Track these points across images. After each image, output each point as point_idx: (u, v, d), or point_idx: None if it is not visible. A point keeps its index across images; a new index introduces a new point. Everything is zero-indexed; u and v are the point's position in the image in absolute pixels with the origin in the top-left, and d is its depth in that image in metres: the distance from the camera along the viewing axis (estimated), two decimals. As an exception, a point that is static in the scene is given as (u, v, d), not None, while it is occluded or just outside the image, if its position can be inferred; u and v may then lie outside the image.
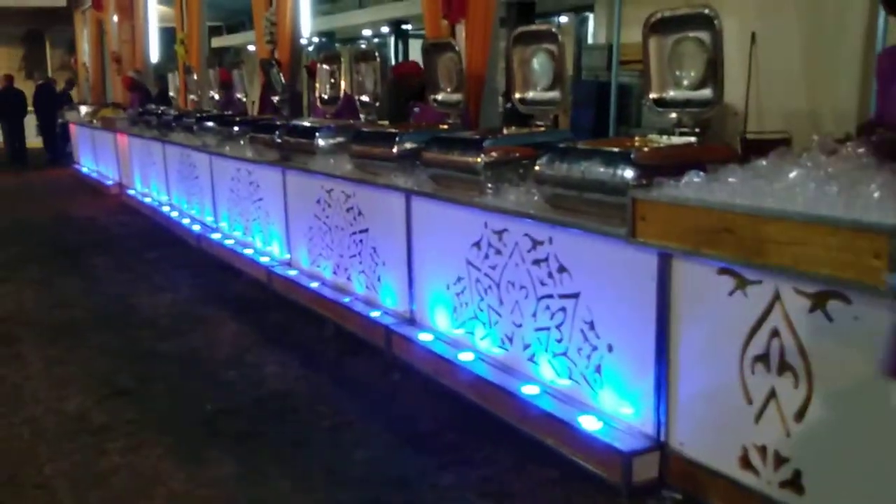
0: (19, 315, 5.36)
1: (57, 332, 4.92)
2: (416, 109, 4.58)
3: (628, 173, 2.80)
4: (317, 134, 5.13)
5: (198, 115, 7.64)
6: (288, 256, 5.76)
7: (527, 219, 3.30)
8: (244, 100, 8.44)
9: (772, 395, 2.41)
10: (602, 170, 2.90)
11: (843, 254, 2.04)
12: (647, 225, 2.60)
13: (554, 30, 3.92)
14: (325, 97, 6.13)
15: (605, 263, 2.97)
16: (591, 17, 12.47)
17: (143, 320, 5.13)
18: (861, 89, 7.36)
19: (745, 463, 2.51)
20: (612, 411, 3.01)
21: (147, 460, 3.18)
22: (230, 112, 7.77)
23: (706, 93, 3.08)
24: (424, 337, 4.03)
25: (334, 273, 5.10)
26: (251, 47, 18.22)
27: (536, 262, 3.31)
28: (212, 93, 8.54)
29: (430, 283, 4.11)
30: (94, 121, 12.36)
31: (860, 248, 1.99)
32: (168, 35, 15.47)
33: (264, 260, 5.94)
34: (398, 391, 3.87)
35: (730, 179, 2.40)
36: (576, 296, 3.14)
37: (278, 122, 5.87)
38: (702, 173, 2.57)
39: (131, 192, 10.19)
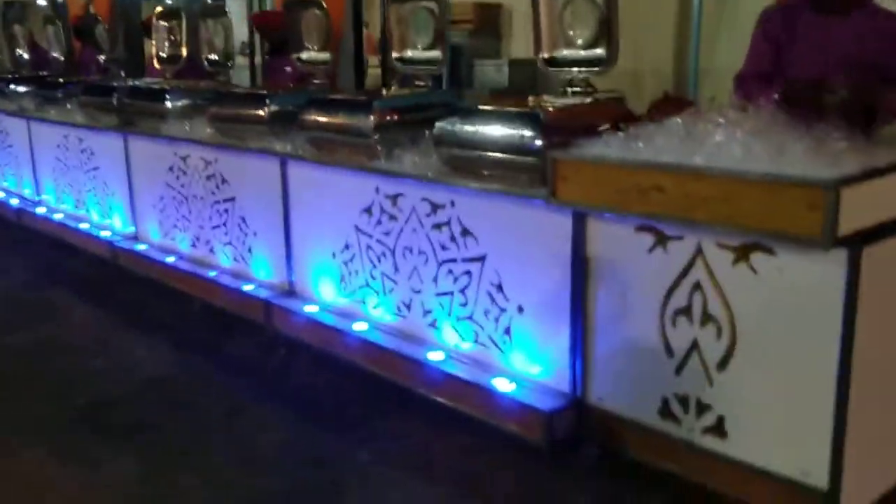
0: None
1: None
2: (288, 69, 4.33)
3: (537, 134, 2.79)
4: (166, 95, 4.74)
5: (10, 75, 6.85)
6: (133, 230, 5.33)
7: (427, 182, 3.22)
8: (61, 59, 7.66)
9: (694, 346, 2.51)
10: (511, 132, 2.87)
11: (774, 207, 2.13)
12: (569, 185, 2.60)
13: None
14: (164, 56, 5.68)
15: (514, 225, 2.96)
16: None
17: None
18: (676, 48, 7.80)
19: (667, 412, 2.61)
20: (525, 372, 3.03)
21: (29, 466, 2.85)
22: (47, 73, 7.03)
23: (599, 52, 3.12)
24: (310, 308, 3.87)
25: (193, 246, 4.78)
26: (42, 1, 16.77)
27: (437, 226, 3.25)
28: (19, 51, 7.68)
29: (311, 253, 3.94)
30: None
31: (793, 200, 2.08)
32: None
33: (105, 235, 5.47)
34: (287, 368, 3.70)
35: (656, 139, 2.44)
36: (481, 259, 3.11)
37: (115, 84, 5.37)
38: (620, 133, 2.60)
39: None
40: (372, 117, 3.46)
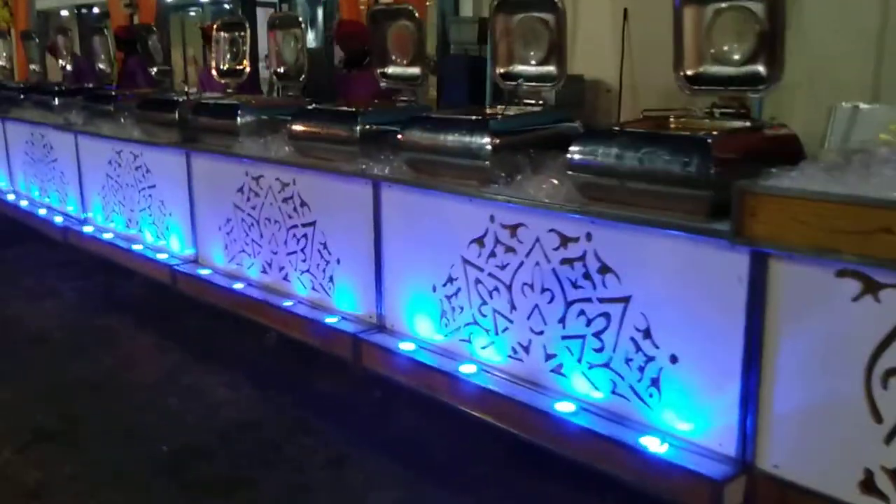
0: None
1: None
2: (383, 84, 4.00)
3: (706, 163, 2.46)
4: (238, 111, 4.42)
5: (58, 88, 6.57)
6: (194, 252, 5.00)
7: (557, 212, 2.88)
8: (108, 71, 7.38)
9: (909, 412, 2.15)
10: (668, 159, 2.54)
11: None
12: (758, 222, 2.26)
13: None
14: (224, 68, 5.38)
15: (668, 264, 2.62)
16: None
17: (33, 337, 4.26)
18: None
19: (871, 488, 2.25)
20: (674, 430, 2.67)
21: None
22: (91, 85, 6.75)
23: (758, 69, 2.79)
24: (406, 347, 3.53)
25: (263, 272, 4.45)
26: (64, 12, 16.66)
27: (567, 261, 2.91)
28: (62, 62, 7.40)
29: (406, 285, 3.60)
30: None
31: None
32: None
33: (162, 257, 5.15)
34: (386, 412, 3.36)
35: (879, 170, 2.09)
36: (626, 300, 2.76)
37: (177, 98, 5.07)
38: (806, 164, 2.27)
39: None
40: (488, 138, 3.13)
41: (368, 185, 3.68)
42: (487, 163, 3.14)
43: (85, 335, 4.27)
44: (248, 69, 5.24)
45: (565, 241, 2.92)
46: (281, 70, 4.89)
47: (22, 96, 7.04)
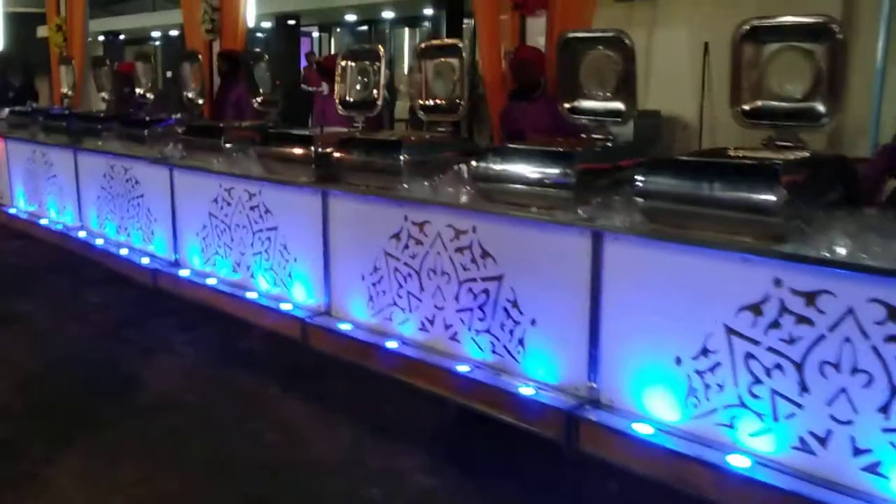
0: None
1: (55, 425, 3.43)
2: (578, 119, 3.56)
3: None
4: (402, 149, 3.91)
5: (148, 118, 6.09)
6: (324, 302, 4.47)
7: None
8: (149, 97, 6.91)
9: None
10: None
11: None
12: None
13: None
14: (351, 100, 4.90)
15: None
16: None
17: (164, 402, 3.72)
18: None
19: None
20: None
21: None
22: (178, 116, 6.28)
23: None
24: (642, 429, 2.99)
25: (423, 329, 3.92)
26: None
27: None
28: (104, 94, 6.96)
29: (634, 356, 3.08)
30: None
31: None
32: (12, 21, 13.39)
33: (285, 307, 4.61)
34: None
35: None
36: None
37: (309, 133, 4.58)
38: None
39: (11, 210, 8.24)
40: (776, 190, 2.63)
41: (586, 237, 3.17)
42: (775, 217, 2.63)
43: (223, 400, 3.72)
44: (379, 101, 4.76)
45: (894, 313, 2.41)
46: (430, 103, 4.41)
47: (99, 126, 6.55)
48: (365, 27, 15.98)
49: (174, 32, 17.01)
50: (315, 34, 17.01)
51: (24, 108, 8.35)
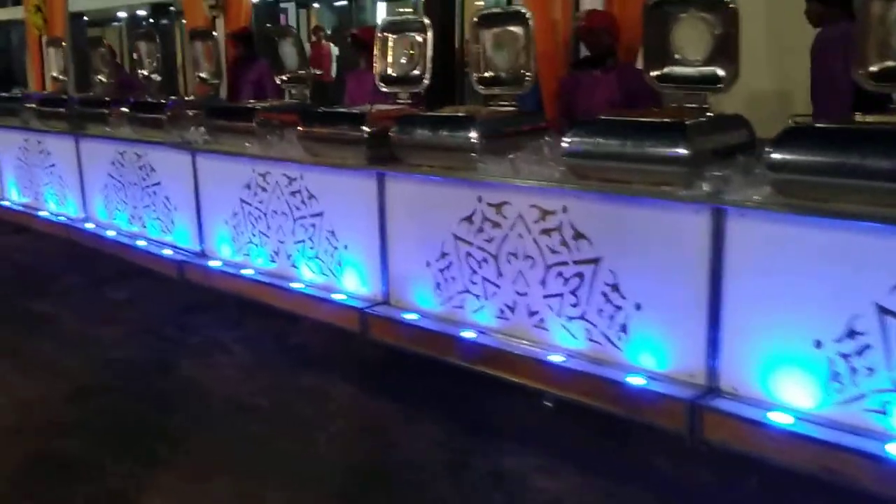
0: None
1: (127, 439, 3.14)
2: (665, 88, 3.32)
3: None
4: (474, 125, 3.64)
5: (163, 101, 5.73)
6: (381, 292, 4.19)
7: None
8: (157, 78, 6.53)
9: None
10: None
11: None
12: None
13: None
14: (394, 75, 4.60)
15: None
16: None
17: (234, 405, 3.45)
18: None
19: None
20: None
21: None
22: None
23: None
24: (779, 418, 2.79)
25: (501, 317, 3.68)
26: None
27: None
28: (100, 77, 6.59)
29: (764, 340, 2.88)
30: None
31: None
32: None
33: (339, 298, 4.33)
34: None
35: None
36: None
37: (359, 111, 4.27)
38: None
39: (4, 203, 7.79)
40: None
41: (703, 214, 2.95)
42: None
43: (300, 402, 3.44)
44: (426, 77, 4.47)
45: None
46: (487, 75, 4.13)
47: (107, 111, 6.17)
48: (345, 1, 15.49)
49: (142, 12, 16.33)
50: (291, 10, 16.48)
51: (11, 94, 7.89)
